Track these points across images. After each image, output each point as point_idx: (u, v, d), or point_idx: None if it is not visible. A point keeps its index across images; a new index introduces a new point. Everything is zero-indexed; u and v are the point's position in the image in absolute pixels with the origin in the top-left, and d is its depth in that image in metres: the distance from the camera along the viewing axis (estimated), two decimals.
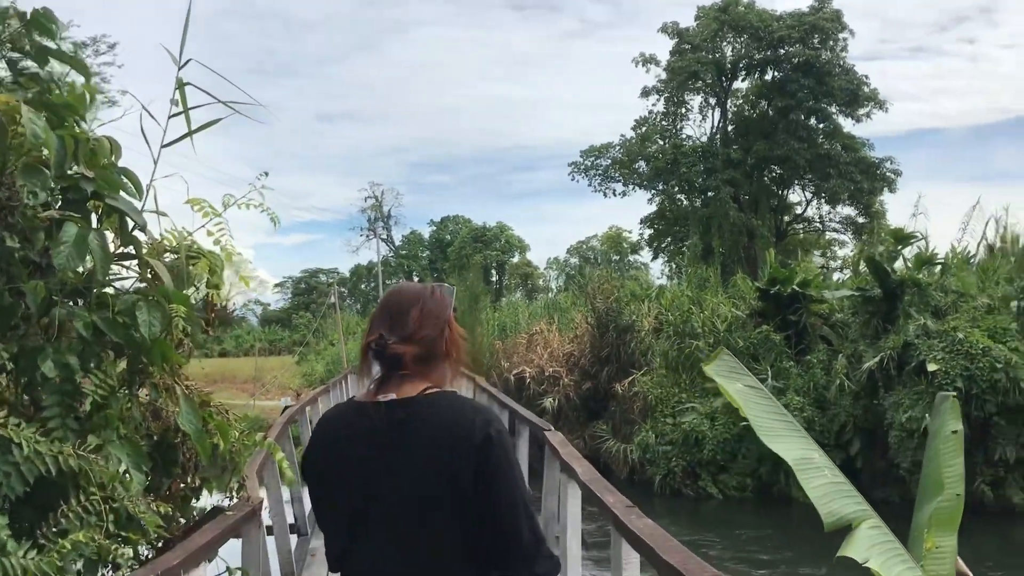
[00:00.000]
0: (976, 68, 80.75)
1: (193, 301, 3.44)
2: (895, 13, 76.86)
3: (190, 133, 2.94)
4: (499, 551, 2.01)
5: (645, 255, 49.85)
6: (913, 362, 16.30)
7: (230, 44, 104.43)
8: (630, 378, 20.94)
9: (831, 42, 38.43)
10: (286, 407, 8.33)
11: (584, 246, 68.15)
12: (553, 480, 5.57)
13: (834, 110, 39.13)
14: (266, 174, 3.42)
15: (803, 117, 38.86)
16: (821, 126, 40.16)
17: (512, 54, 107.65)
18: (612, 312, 22.03)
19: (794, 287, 19.86)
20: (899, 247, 18.87)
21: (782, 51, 38.42)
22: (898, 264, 18.97)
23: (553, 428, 5.70)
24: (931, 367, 15.48)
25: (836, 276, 30.06)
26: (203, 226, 3.34)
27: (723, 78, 41.25)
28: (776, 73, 39.76)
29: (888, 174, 39.40)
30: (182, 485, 3.43)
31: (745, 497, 18.46)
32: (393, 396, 2.04)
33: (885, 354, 17.30)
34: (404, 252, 76.18)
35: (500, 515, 1.99)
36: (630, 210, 73.00)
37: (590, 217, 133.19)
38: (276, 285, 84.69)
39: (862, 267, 21.22)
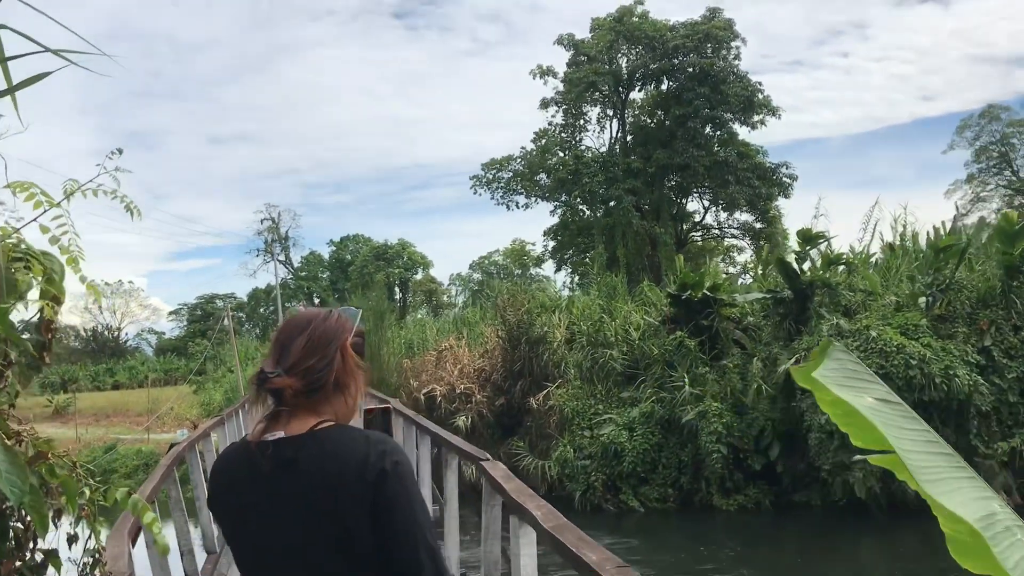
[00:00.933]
0: (851, 80, 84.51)
1: (19, 320, 2.57)
2: (774, 28, 79.96)
3: (11, 90, 2.10)
4: None
5: (548, 267, 49.62)
6: None
7: (113, 67, 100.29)
8: (544, 391, 20.34)
9: (724, 51, 38.95)
10: (172, 445, 7.26)
11: (486, 261, 67.86)
12: (495, 523, 4.77)
13: (729, 117, 39.61)
14: (119, 152, 2.57)
15: (700, 125, 39.22)
16: (717, 134, 40.64)
17: (404, 73, 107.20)
18: (523, 324, 21.42)
19: (705, 291, 19.64)
20: (807, 247, 18.83)
21: (677, 60, 38.75)
22: (806, 265, 18.94)
23: (490, 456, 4.87)
24: None
25: (739, 281, 30.23)
26: (35, 219, 2.48)
27: (620, 88, 41.34)
28: (672, 82, 40.09)
29: (784, 179, 40.15)
30: (17, 564, 2.55)
31: (667, 508, 18.05)
32: (281, 434, 1.90)
33: (800, 355, 17.21)
34: (304, 274, 74.53)
35: (399, 555, 1.85)
36: (531, 223, 73.34)
37: (491, 232, 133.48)
38: (171, 313, 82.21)
39: (769, 270, 21.24)
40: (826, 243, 19.58)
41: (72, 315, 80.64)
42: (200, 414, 35.50)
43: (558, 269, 47.18)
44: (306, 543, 1.84)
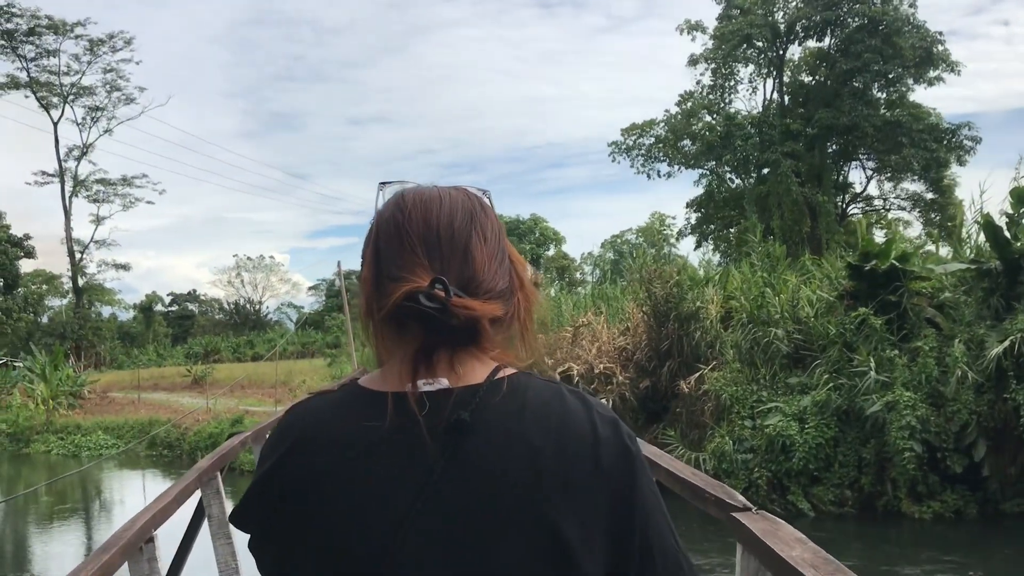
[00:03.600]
0: (1012, 50, 76.60)
1: None
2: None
3: None
4: None
5: (684, 247, 46.70)
6: None
7: (258, 52, 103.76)
8: (697, 374, 17.90)
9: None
10: (232, 434, 5.33)
11: (619, 240, 66.03)
12: None
13: (902, 72, 35.37)
14: None
15: (869, 81, 35.35)
16: (883, 95, 36.69)
17: (539, 52, 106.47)
18: (672, 299, 18.97)
19: (892, 262, 16.70)
20: (1022, 209, 15.65)
21: (844, 9, 34.93)
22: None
23: (749, 504, 2.53)
24: None
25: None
26: None
27: (777, 43, 37.84)
28: (837, 35, 36.28)
29: (966, 142, 35.67)
30: None
31: (844, 512, 15.43)
32: (445, 383, 1.07)
33: (1015, 338, 14.25)
34: None
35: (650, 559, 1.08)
36: (668, 200, 70.97)
37: (623, 211, 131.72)
38: (310, 288, 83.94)
39: (968, 237, 18.10)
40: None
41: (216, 288, 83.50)
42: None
43: (698, 245, 44.23)
44: (492, 567, 1.01)
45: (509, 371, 1.12)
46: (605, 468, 1.08)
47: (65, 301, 62.76)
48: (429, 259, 1.12)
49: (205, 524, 4.68)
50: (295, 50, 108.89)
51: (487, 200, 1.24)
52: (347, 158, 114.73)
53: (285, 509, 1.08)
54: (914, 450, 14.49)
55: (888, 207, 42.02)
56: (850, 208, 42.23)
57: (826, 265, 19.92)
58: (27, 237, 51.01)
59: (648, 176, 42.15)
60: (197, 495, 4.49)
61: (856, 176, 41.64)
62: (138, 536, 2.96)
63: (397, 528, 1.03)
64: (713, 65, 38.76)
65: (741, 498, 2.69)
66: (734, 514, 2.62)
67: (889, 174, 39.50)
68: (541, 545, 1.03)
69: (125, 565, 3.05)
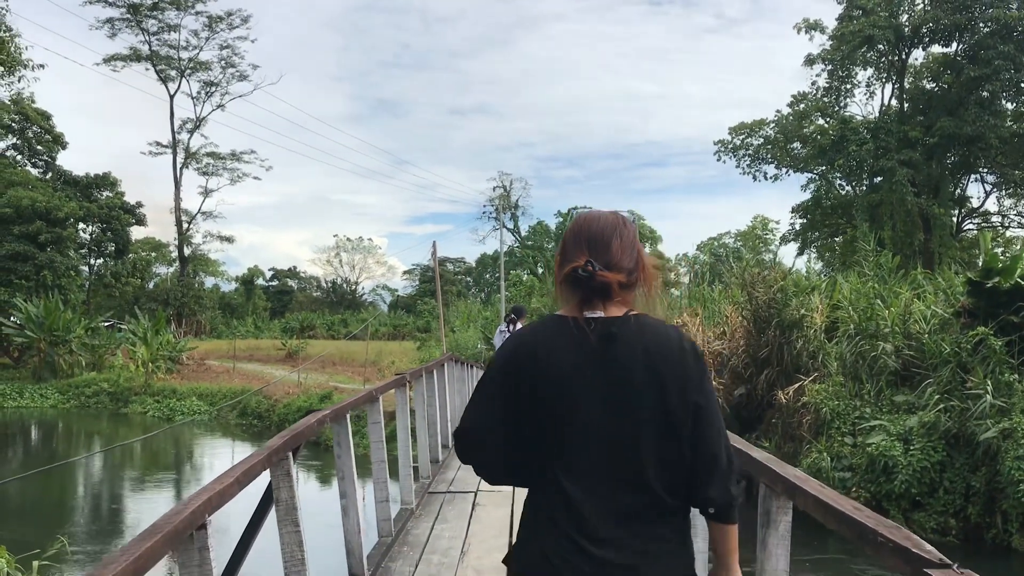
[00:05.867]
0: None
1: None
2: None
3: None
4: (698, 471, 2.03)
5: (785, 253, 45.24)
6: None
7: (368, 38, 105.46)
8: (796, 385, 17.15)
9: None
10: (308, 412, 5.05)
11: (716, 243, 64.54)
12: None
13: None
14: None
15: (999, 90, 33.41)
16: (1011, 106, 34.68)
17: (643, 49, 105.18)
18: (775, 305, 18.22)
19: (1017, 280, 15.63)
20: None
21: (975, 13, 33.08)
22: None
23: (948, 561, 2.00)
24: None
25: None
26: None
27: (900, 46, 36.13)
28: (965, 40, 34.40)
29: None
30: None
31: (947, 542, 14.50)
32: (600, 314, 2.07)
33: None
34: (530, 243, 74.08)
35: (702, 433, 2.02)
36: (770, 204, 69.30)
37: (721, 214, 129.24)
38: (405, 272, 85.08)
39: None
40: None
41: (315, 266, 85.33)
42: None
43: (801, 252, 42.76)
44: (629, 409, 2.01)
45: (636, 312, 2.09)
46: (687, 364, 2.04)
47: (171, 269, 64.87)
48: (589, 250, 2.10)
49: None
50: (403, 38, 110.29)
51: (629, 218, 2.24)
52: (447, 146, 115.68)
53: (520, 363, 2.10)
54: None
55: (1008, 224, 39.87)
56: (965, 223, 40.21)
57: (940, 279, 18.83)
58: (139, 205, 52.81)
59: (754, 177, 40.98)
60: (265, 476, 3.99)
61: (974, 190, 39.65)
62: (188, 522, 2.58)
63: (572, 374, 2.04)
64: (830, 66, 37.25)
65: (932, 549, 2.05)
66: (930, 571, 2.00)
67: (1011, 189, 37.40)
68: (651, 401, 2.00)
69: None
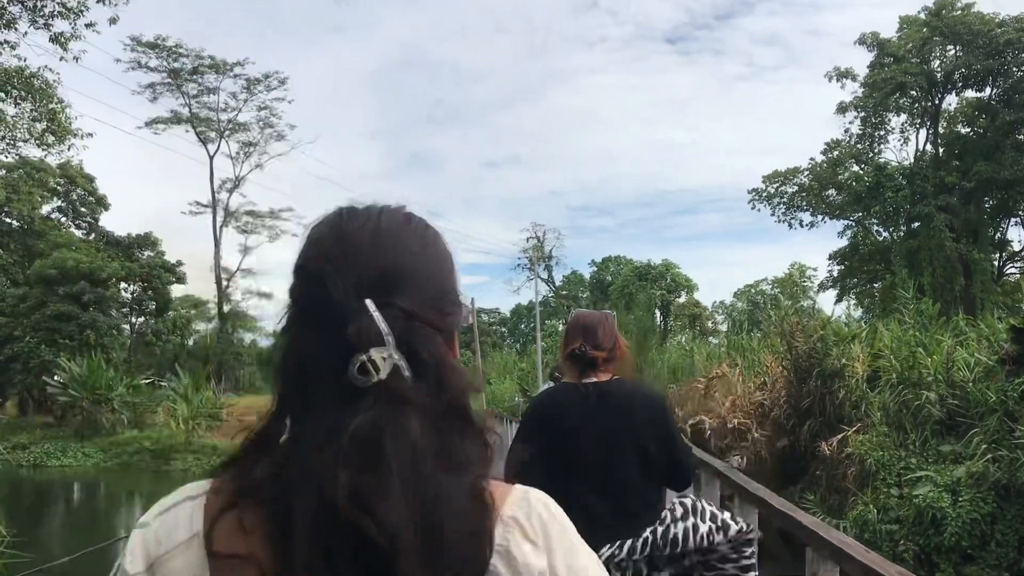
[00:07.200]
0: None
1: None
2: None
3: None
4: (672, 473, 3.24)
5: (823, 300, 44.82)
6: None
7: (401, 94, 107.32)
8: (840, 436, 16.88)
9: None
10: None
11: (753, 290, 64.07)
12: None
13: None
14: None
15: None
16: None
17: (674, 98, 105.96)
18: (816, 354, 18.03)
19: None
20: None
21: (1008, 58, 33.01)
22: None
23: None
24: None
25: None
26: None
27: (933, 91, 36.09)
28: (999, 85, 34.29)
29: None
30: None
31: None
32: (594, 379, 3.23)
33: None
34: (564, 292, 74.18)
35: (674, 453, 3.20)
36: (802, 252, 68.78)
37: (756, 261, 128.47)
38: None
39: None
40: None
41: None
42: None
43: (839, 299, 42.33)
44: (615, 452, 3.08)
45: (618, 376, 3.26)
46: (656, 412, 3.22)
47: (210, 326, 65.63)
48: (583, 336, 3.25)
49: None
50: (436, 93, 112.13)
51: (612, 315, 3.46)
52: (480, 198, 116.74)
53: (541, 422, 3.26)
54: None
55: None
56: (1007, 267, 39.65)
57: (983, 326, 18.56)
58: (179, 263, 53.69)
59: (789, 225, 40.80)
60: None
61: (1015, 233, 39.23)
62: None
63: (579, 425, 3.14)
64: (863, 113, 37.27)
65: None
66: None
67: None
68: (634, 447, 3.09)
69: None
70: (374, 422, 0.92)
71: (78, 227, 52.67)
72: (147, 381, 45.37)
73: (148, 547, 0.99)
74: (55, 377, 39.53)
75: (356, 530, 0.88)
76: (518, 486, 1.05)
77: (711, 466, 7.30)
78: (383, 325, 0.96)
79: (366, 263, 1.01)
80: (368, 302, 0.97)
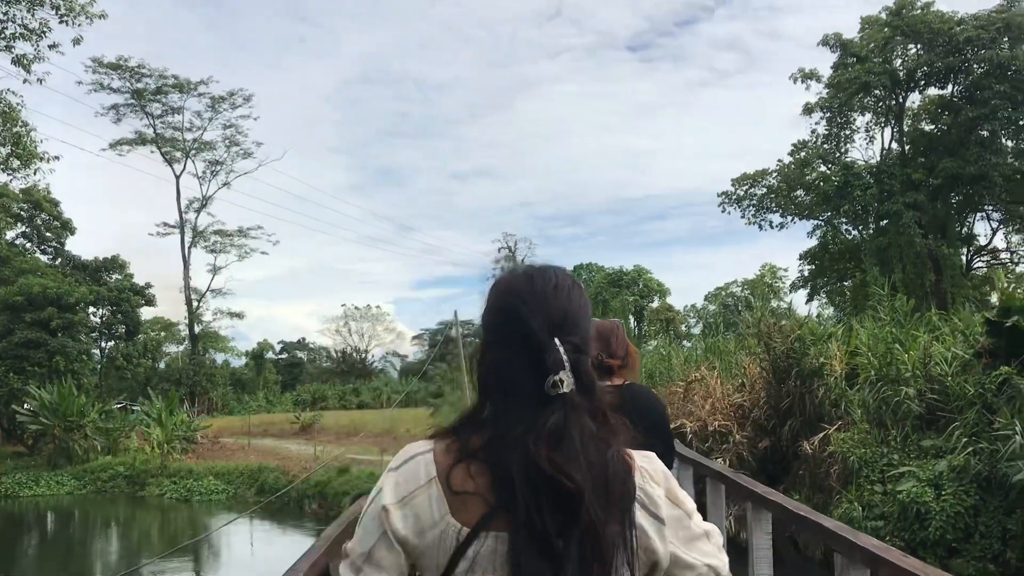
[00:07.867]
0: None
1: None
2: None
3: None
4: (664, 454, 3.02)
5: (799, 296, 45.17)
6: None
7: (365, 109, 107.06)
8: (821, 434, 16.94)
9: None
10: (357, 496, 4.89)
11: (723, 292, 64.52)
12: None
13: None
14: None
15: (998, 128, 33.66)
16: (1012, 143, 34.88)
17: (637, 105, 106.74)
18: (794, 354, 18.10)
19: None
20: None
21: (968, 55, 33.50)
22: None
23: None
24: None
25: None
26: None
27: (896, 90, 36.53)
28: (961, 82, 34.79)
29: None
30: None
31: None
32: (609, 383, 3.44)
33: None
34: None
35: (667, 455, 3.52)
36: (770, 253, 69.37)
37: (724, 264, 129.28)
38: (414, 337, 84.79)
39: None
40: None
41: (324, 336, 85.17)
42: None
43: (810, 298, 42.63)
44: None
45: (628, 381, 3.73)
46: (662, 421, 3.82)
47: (182, 348, 64.85)
48: (599, 345, 3.42)
49: None
50: (401, 107, 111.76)
51: (621, 324, 3.94)
52: (450, 210, 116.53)
53: None
54: None
55: (1017, 260, 39.80)
56: (975, 261, 40.18)
57: (957, 320, 18.72)
58: (148, 285, 53.05)
59: (760, 227, 41.06)
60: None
61: (981, 227, 39.70)
62: None
63: None
64: (828, 114, 37.67)
65: None
66: None
67: (1017, 225, 37.45)
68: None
69: None
70: (563, 419, 1.43)
71: (44, 252, 51.91)
72: (119, 406, 44.74)
73: (399, 487, 1.47)
74: (25, 405, 38.85)
75: (555, 483, 1.39)
76: (638, 451, 1.56)
77: (711, 468, 7.21)
78: (565, 356, 1.47)
79: (549, 308, 1.54)
80: (556, 340, 1.48)
